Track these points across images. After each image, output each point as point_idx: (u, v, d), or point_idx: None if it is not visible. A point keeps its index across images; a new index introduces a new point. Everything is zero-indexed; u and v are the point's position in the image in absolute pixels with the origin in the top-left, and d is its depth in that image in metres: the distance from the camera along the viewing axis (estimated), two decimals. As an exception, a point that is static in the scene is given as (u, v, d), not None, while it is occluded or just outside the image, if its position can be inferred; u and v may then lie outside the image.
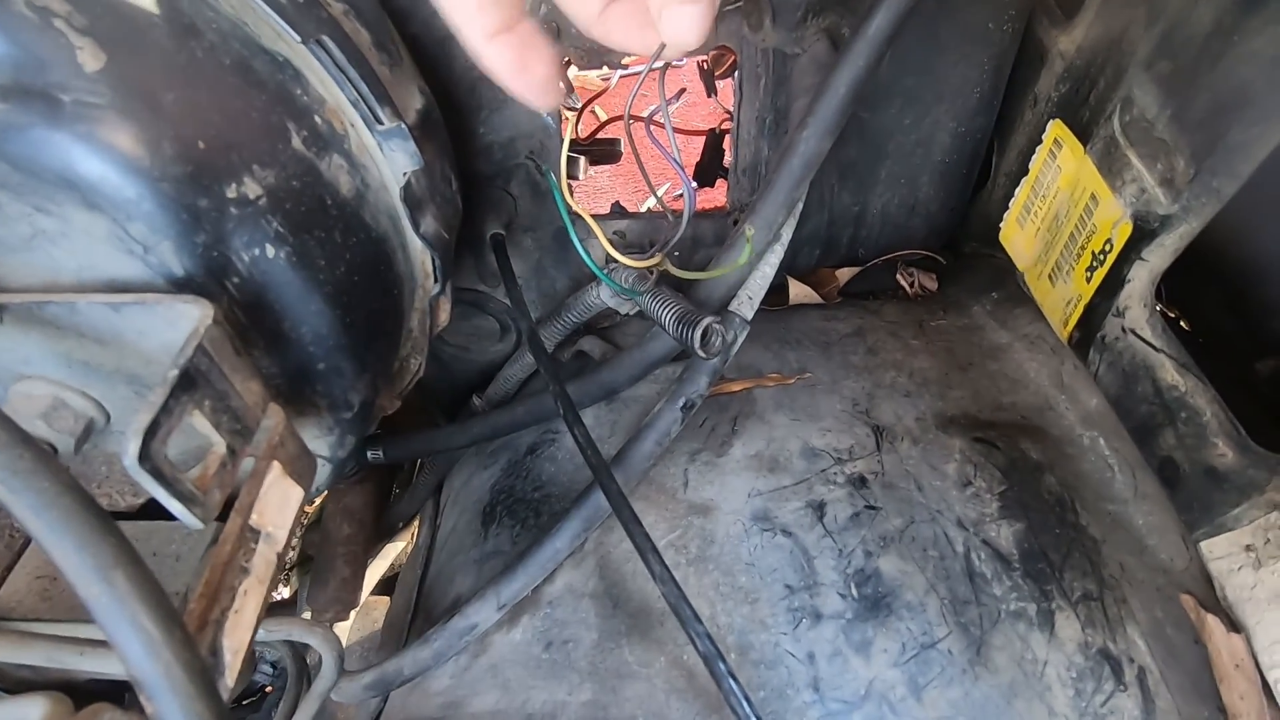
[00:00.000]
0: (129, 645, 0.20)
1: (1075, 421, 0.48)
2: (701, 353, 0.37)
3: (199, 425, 0.23)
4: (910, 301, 0.62)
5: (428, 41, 0.43)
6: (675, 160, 0.42)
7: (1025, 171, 0.50)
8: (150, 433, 0.20)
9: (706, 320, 0.37)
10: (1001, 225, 0.53)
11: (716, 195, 0.87)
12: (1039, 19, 0.50)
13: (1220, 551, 0.38)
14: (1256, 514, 0.36)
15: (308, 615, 0.57)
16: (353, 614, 0.59)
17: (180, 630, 0.20)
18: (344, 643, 0.48)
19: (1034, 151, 0.49)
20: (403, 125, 0.32)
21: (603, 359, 0.55)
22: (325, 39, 0.30)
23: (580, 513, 0.42)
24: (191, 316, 0.23)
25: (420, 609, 0.51)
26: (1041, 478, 0.44)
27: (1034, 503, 0.43)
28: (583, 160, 0.70)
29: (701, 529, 0.42)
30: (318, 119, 0.30)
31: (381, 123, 0.32)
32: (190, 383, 0.22)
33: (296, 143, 0.29)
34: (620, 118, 0.86)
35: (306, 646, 0.42)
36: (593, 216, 0.42)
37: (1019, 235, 0.51)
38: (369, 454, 0.50)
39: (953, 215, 0.61)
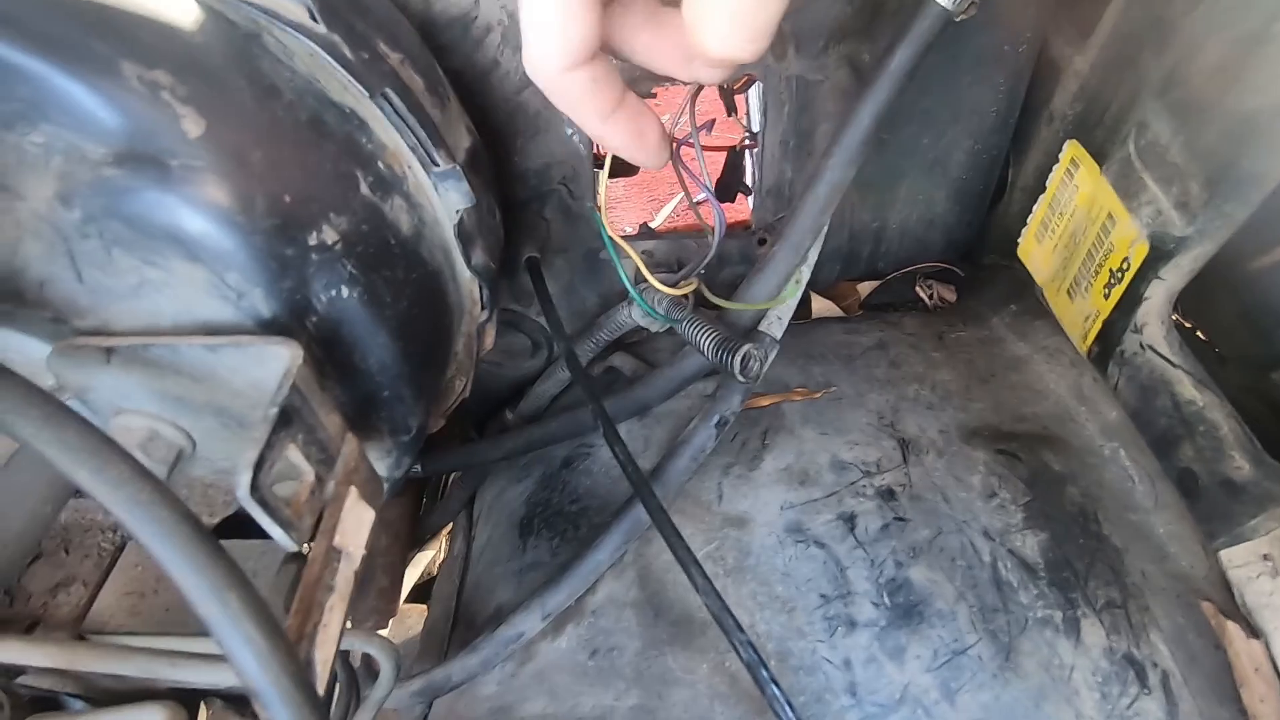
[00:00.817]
0: (243, 658, 0.22)
1: (1095, 433, 0.49)
2: (741, 378, 0.39)
3: (293, 457, 0.25)
4: (929, 313, 0.64)
5: (469, 75, 0.46)
6: (707, 188, 0.44)
7: (1042, 187, 0.52)
8: (258, 467, 0.22)
9: (746, 347, 0.39)
10: (1020, 240, 0.54)
11: (735, 209, 0.89)
12: (1054, 36, 0.51)
13: (1239, 560, 0.39)
14: (1273, 525, 0.37)
15: (348, 624, 0.59)
16: (390, 622, 0.61)
17: (285, 644, 0.23)
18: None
19: (1050, 167, 0.51)
20: (457, 167, 0.34)
21: (634, 375, 0.57)
22: (388, 91, 0.32)
23: (621, 526, 0.44)
24: (282, 357, 0.26)
25: (460, 618, 0.53)
26: (1064, 488, 0.46)
27: (1057, 513, 0.44)
28: (601, 174, 0.72)
29: (737, 541, 0.44)
30: (380, 164, 0.33)
31: (437, 165, 0.34)
32: (287, 419, 0.24)
33: (364, 189, 0.31)
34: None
35: (347, 653, 0.44)
36: (624, 238, 0.44)
37: (1037, 250, 0.53)
38: (411, 469, 0.52)
39: (970, 229, 0.62)
